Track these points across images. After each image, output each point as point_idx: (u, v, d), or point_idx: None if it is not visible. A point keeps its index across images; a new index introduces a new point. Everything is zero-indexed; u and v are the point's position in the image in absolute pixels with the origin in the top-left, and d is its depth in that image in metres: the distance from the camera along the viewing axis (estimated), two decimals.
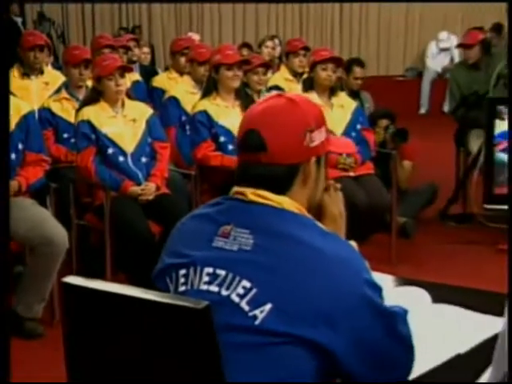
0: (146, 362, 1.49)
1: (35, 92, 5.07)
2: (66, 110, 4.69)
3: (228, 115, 4.62)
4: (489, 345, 1.62)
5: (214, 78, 4.67)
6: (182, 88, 5.46)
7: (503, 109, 4.11)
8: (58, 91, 4.91)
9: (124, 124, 4.33)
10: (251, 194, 1.59)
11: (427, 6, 12.37)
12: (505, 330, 1.41)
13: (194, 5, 11.49)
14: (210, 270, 1.56)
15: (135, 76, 6.01)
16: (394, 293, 1.99)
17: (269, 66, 5.65)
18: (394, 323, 1.56)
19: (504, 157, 4.09)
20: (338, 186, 1.75)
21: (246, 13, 11.83)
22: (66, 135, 4.67)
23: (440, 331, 1.92)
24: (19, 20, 8.86)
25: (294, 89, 5.59)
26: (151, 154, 4.42)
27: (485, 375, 1.62)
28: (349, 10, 12.40)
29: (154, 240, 4.04)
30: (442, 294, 2.14)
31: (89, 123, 4.25)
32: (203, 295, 1.52)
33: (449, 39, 11.69)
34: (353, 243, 1.66)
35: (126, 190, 4.22)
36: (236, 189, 1.63)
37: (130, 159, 4.30)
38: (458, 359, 1.79)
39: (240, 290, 1.52)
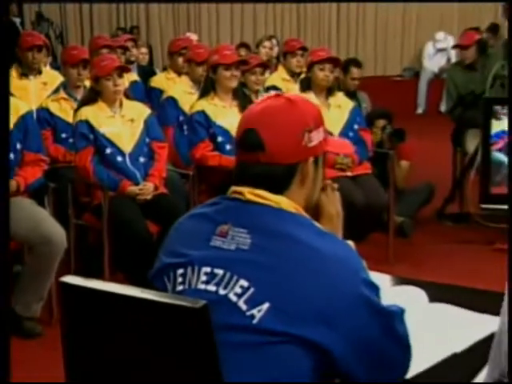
0: (144, 362, 1.49)
1: (33, 92, 5.07)
2: (64, 110, 4.70)
3: (226, 115, 4.63)
4: (485, 344, 1.63)
5: (212, 78, 4.68)
6: (179, 88, 5.47)
7: (499, 109, 4.13)
8: (56, 91, 4.92)
9: (122, 124, 4.34)
10: (249, 193, 1.60)
11: (424, 6, 12.39)
12: (501, 329, 1.42)
13: (191, 5, 11.49)
14: (208, 269, 1.57)
15: (133, 76, 6.02)
16: (390, 292, 2.00)
17: (266, 66, 5.66)
18: (391, 322, 1.57)
19: (500, 156, 4.11)
20: (335, 185, 1.76)
21: (244, 13, 11.84)
22: (64, 135, 4.68)
23: (437, 330, 1.93)
24: (17, 20, 8.85)
25: (292, 89, 5.60)
26: (149, 154, 4.43)
27: (481, 374, 1.63)
28: (346, 10, 12.41)
29: (152, 240, 4.05)
30: (438, 293, 2.15)
31: (87, 123, 4.26)
32: (201, 294, 1.52)
33: (445, 39, 11.71)
34: (350, 243, 1.67)
35: (124, 189, 4.23)
36: (234, 188, 1.63)
37: (128, 159, 4.31)
38: (454, 358, 1.80)
39: (238, 290, 1.52)
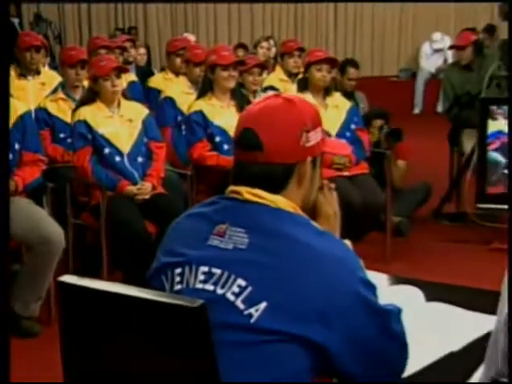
0: (142, 361, 1.50)
1: (32, 92, 5.08)
2: (62, 110, 4.71)
3: (223, 115, 4.64)
4: (481, 343, 1.63)
5: (210, 78, 4.69)
6: (177, 88, 5.48)
7: (495, 109, 4.14)
8: (54, 91, 4.93)
9: (120, 124, 4.35)
10: (246, 192, 1.60)
11: (421, 6, 12.41)
12: (497, 327, 1.43)
13: (189, 6, 11.49)
14: (206, 268, 1.57)
15: (131, 76, 6.02)
16: (387, 291, 2.00)
17: (264, 66, 5.66)
18: (388, 321, 1.57)
19: (497, 156, 4.12)
20: (333, 185, 1.76)
21: (242, 13, 11.84)
22: (62, 135, 4.69)
23: (433, 329, 1.94)
24: (16, 21, 8.85)
25: (289, 89, 5.61)
26: (147, 154, 4.44)
27: (477, 373, 1.63)
28: (343, 11, 12.42)
29: (150, 239, 4.05)
30: (435, 292, 2.16)
31: (85, 123, 4.27)
32: (199, 294, 1.52)
33: (442, 40, 11.72)
34: (347, 242, 1.67)
35: (122, 189, 4.24)
36: (232, 188, 1.64)
37: (126, 159, 4.32)
38: (451, 357, 1.81)
39: (235, 289, 1.52)
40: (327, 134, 4.54)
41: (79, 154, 4.27)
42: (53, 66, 6.22)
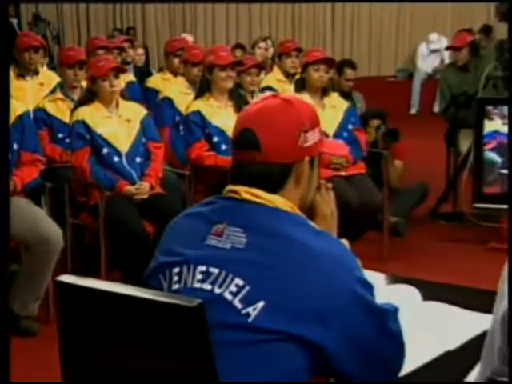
0: (140, 360, 1.50)
1: (30, 92, 5.08)
2: (60, 111, 4.72)
3: (221, 115, 4.65)
4: (478, 342, 1.64)
5: (208, 78, 4.70)
6: (175, 89, 5.49)
7: (492, 109, 4.16)
8: (52, 92, 4.95)
9: (118, 124, 4.36)
10: (244, 192, 1.60)
11: (418, 7, 12.44)
12: (493, 327, 1.44)
13: (187, 6, 11.50)
14: (203, 268, 1.57)
15: (129, 77, 6.02)
16: (385, 291, 2.01)
17: (262, 67, 5.68)
18: (385, 321, 1.58)
19: (493, 156, 4.14)
20: (330, 185, 1.77)
21: (239, 14, 11.86)
22: (60, 135, 4.70)
23: (430, 328, 1.94)
24: (15, 21, 8.86)
25: (287, 89, 5.63)
26: (145, 154, 4.45)
27: (473, 372, 1.64)
28: (341, 11, 12.44)
29: (148, 239, 4.06)
30: (432, 291, 2.16)
31: (83, 123, 4.28)
32: (196, 293, 1.52)
33: (439, 40, 11.75)
34: (345, 242, 1.68)
35: (120, 189, 4.25)
36: (230, 187, 1.64)
37: (124, 159, 4.33)
38: (447, 356, 1.81)
39: (233, 288, 1.53)
40: (325, 134, 4.56)
41: (77, 154, 4.28)
42: (51, 67, 6.23)
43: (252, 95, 5.28)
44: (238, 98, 4.81)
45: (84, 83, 4.69)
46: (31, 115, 4.39)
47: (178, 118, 5.24)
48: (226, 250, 1.56)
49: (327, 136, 4.66)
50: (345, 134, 4.93)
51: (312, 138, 1.64)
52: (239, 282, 1.52)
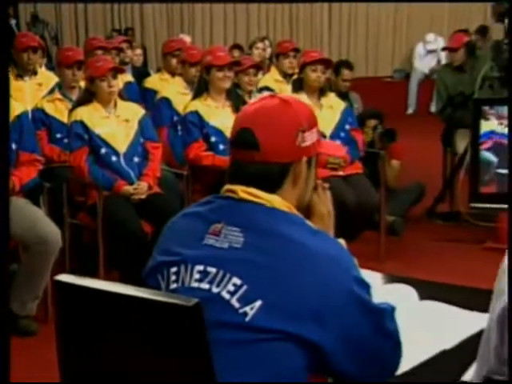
0: (138, 359, 1.50)
1: (29, 93, 5.08)
2: (59, 111, 4.73)
3: (219, 115, 4.66)
4: (474, 341, 1.65)
5: (205, 78, 4.71)
6: (173, 89, 5.50)
7: (488, 109, 4.18)
8: (51, 92, 4.95)
9: (117, 124, 4.37)
10: (242, 191, 1.61)
11: (415, 7, 12.46)
12: (489, 326, 1.46)
13: (185, 7, 11.50)
14: (201, 267, 1.57)
15: (128, 77, 6.04)
16: (381, 290, 2.02)
17: (259, 67, 5.69)
18: (382, 320, 1.58)
19: (489, 156, 4.16)
20: (326, 185, 1.77)
21: (237, 14, 11.86)
22: (59, 135, 4.71)
23: (426, 327, 1.95)
24: (13, 22, 8.85)
25: (284, 90, 5.64)
26: (143, 154, 4.46)
27: (470, 371, 1.65)
28: (338, 12, 12.45)
29: (146, 239, 4.07)
30: (428, 290, 2.17)
31: (82, 123, 4.29)
32: (194, 292, 1.53)
33: (436, 41, 11.77)
34: (341, 241, 1.68)
35: (118, 189, 4.26)
36: (227, 187, 1.65)
37: (122, 159, 4.34)
38: (444, 355, 1.82)
39: (230, 287, 1.53)
40: (322, 134, 4.57)
41: (76, 154, 4.29)
42: (50, 67, 6.24)
43: (250, 95, 5.30)
44: (235, 98, 4.83)
45: (82, 83, 4.70)
46: (29, 115, 4.40)
47: (175, 118, 5.25)
48: (224, 250, 1.56)
49: (324, 136, 4.67)
50: (342, 134, 4.94)
51: (310, 138, 1.64)
52: (237, 281, 1.53)
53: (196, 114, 4.66)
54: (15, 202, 3.73)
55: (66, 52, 5.05)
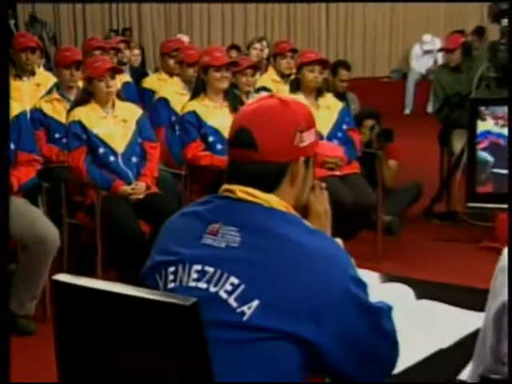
0: (136, 358, 1.51)
1: (27, 93, 5.09)
2: (57, 111, 4.73)
3: (216, 116, 4.68)
4: (470, 340, 1.67)
5: (203, 79, 4.72)
6: (171, 89, 5.51)
7: (484, 109, 4.19)
8: (49, 92, 4.95)
9: (114, 124, 4.38)
10: (240, 191, 1.61)
11: (411, 7, 12.48)
12: (485, 325, 1.47)
13: (183, 7, 11.52)
14: (199, 267, 1.58)
15: (126, 77, 6.05)
16: (378, 289, 2.01)
17: (257, 67, 5.70)
18: (379, 319, 1.59)
19: (485, 156, 4.17)
20: (323, 185, 1.78)
21: (235, 15, 11.88)
22: (57, 135, 4.71)
23: (423, 327, 1.96)
24: (11, 22, 8.86)
25: (282, 90, 5.65)
26: (141, 154, 4.47)
27: (466, 370, 1.65)
28: (335, 12, 12.47)
29: (144, 239, 4.09)
30: (425, 290, 2.18)
31: (80, 123, 4.29)
32: (192, 292, 1.53)
33: (432, 42, 11.79)
34: (339, 241, 1.69)
35: (116, 189, 4.27)
36: (225, 186, 1.65)
37: (120, 159, 4.35)
38: (440, 354, 1.83)
39: (228, 287, 1.53)
40: (319, 134, 4.57)
41: (74, 154, 4.30)
42: (48, 67, 6.24)
43: (247, 96, 5.31)
44: (233, 98, 4.84)
45: (80, 84, 4.70)
46: (28, 115, 4.40)
47: (173, 119, 5.25)
48: (221, 249, 1.57)
49: (321, 137, 4.69)
50: (339, 134, 4.95)
51: (308, 138, 1.65)
52: (234, 280, 1.53)
53: (194, 114, 4.67)
54: (14, 201, 3.74)
55: (64, 52, 5.05)
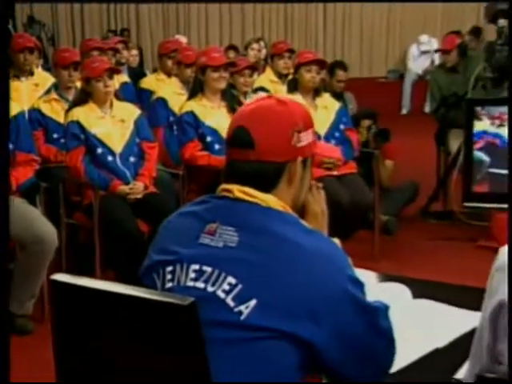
0: (133, 358, 1.51)
1: (25, 93, 5.09)
2: (55, 111, 4.74)
3: (214, 116, 4.68)
4: (466, 339, 1.67)
5: (200, 79, 4.73)
6: (169, 89, 5.52)
7: (480, 109, 4.21)
8: (47, 92, 4.96)
9: (112, 124, 4.39)
10: (238, 191, 1.61)
11: (408, 7, 12.50)
12: (482, 324, 1.48)
13: (181, 8, 11.54)
14: (197, 266, 1.58)
15: (124, 78, 6.05)
16: (375, 288, 2.02)
17: (254, 68, 5.71)
18: (376, 318, 1.59)
19: (481, 155, 4.18)
20: (320, 185, 1.79)
21: (233, 15, 11.90)
22: (55, 135, 4.72)
23: (419, 326, 1.97)
24: (9, 23, 8.87)
25: (279, 90, 5.66)
26: (139, 154, 4.48)
27: (462, 369, 1.65)
28: (332, 13, 12.49)
29: (142, 238, 4.09)
30: (421, 289, 2.19)
31: (78, 124, 4.30)
32: (189, 291, 1.54)
33: (429, 42, 11.82)
34: (336, 240, 1.69)
35: (114, 189, 4.28)
36: (223, 186, 1.65)
37: (118, 159, 4.36)
38: (436, 353, 1.83)
39: (225, 286, 1.54)
40: (316, 134, 4.58)
41: (72, 154, 4.31)
42: (46, 68, 6.25)
43: (245, 96, 5.32)
44: (230, 98, 4.85)
45: (78, 84, 4.71)
46: (26, 116, 4.40)
47: (171, 119, 5.26)
48: (219, 249, 1.57)
49: (319, 137, 4.70)
50: (337, 134, 4.97)
51: (305, 138, 1.65)
52: (232, 280, 1.54)
53: (191, 114, 4.68)
54: (12, 201, 3.74)
55: (63, 53, 5.06)
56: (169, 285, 1.61)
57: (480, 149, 4.17)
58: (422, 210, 5.81)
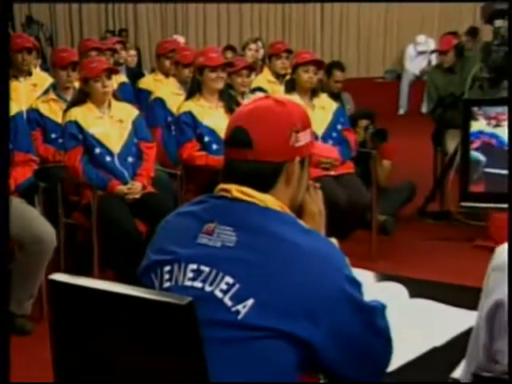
0: (131, 358, 1.51)
1: (23, 93, 5.08)
2: (53, 111, 4.74)
3: (212, 116, 4.69)
4: (463, 338, 1.67)
5: (198, 79, 4.73)
6: (167, 89, 5.52)
7: (476, 110, 4.22)
8: (45, 92, 4.95)
9: (111, 124, 4.39)
10: (236, 190, 1.62)
11: (406, 8, 12.52)
12: (478, 323, 1.49)
13: (179, 8, 11.54)
14: (194, 266, 1.58)
15: (122, 78, 6.06)
16: (372, 288, 2.03)
17: (252, 68, 5.72)
18: (373, 318, 1.60)
19: (478, 155, 4.20)
20: (318, 185, 1.79)
21: (230, 16, 11.91)
22: (53, 135, 4.72)
23: (417, 325, 1.97)
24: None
25: (277, 90, 5.67)
26: (137, 154, 4.48)
27: (459, 368, 1.66)
28: (330, 13, 12.51)
29: (141, 238, 4.09)
30: (418, 288, 2.20)
31: (76, 124, 4.31)
32: (187, 291, 1.54)
33: (426, 43, 11.84)
34: (333, 240, 1.69)
35: (112, 189, 4.28)
36: (221, 186, 1.66)
37: (116, 159, 4.37)
38: (434, 352, 1.84)
39: (223, 286, 1.54)
40: (314, 134, 4.59)
41: (70, 154, 4.31)
42: (44, 68, 6.25)
43: (243, 96, 5.33)
44: (228, 98, 4.86)
45: (77, 84, 4.72)
46: (24, 116, 4.42)
47: (169, 119, 5.26)
48: (217, 249, 1.58)
49: (316, 137, 4.71)
50: (334, 134, 4.97)
51: (303, 138, 1.66)
52: (229, 279, 1.54)
53: (189, 114, 4.69)
54: (10, 201, 3.75)
55: (61, 53, 5.06)
56: (167, 284, 1.61)
57: (476, 149, 4.18)
58: (419, 209, 5.82)
